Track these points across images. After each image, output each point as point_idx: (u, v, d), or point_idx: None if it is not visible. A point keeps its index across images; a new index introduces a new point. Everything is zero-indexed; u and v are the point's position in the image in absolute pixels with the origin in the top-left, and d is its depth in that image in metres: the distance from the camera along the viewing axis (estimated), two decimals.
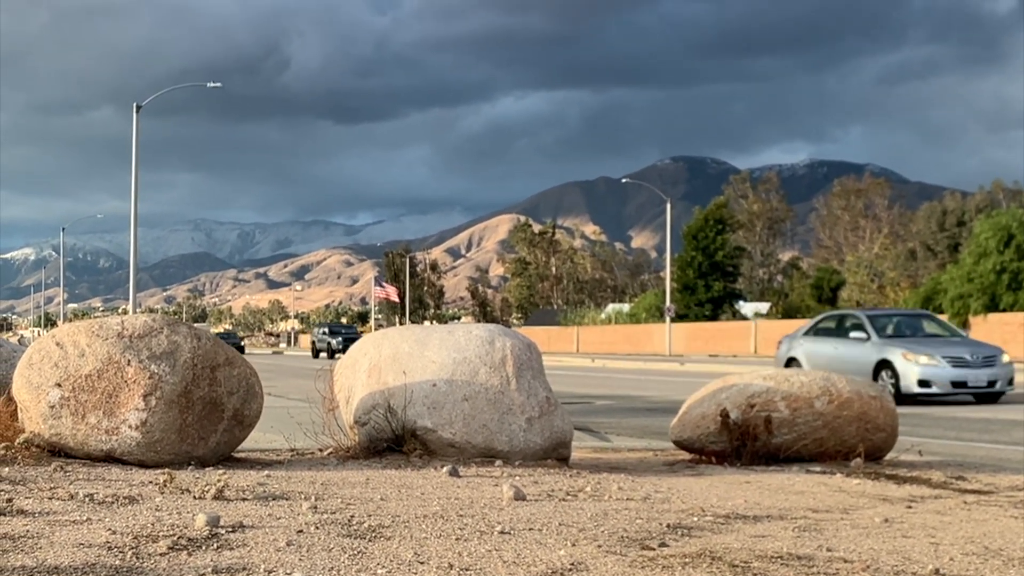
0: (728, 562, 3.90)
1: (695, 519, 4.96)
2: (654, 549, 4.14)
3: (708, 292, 77.36)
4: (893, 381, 17.23)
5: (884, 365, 17.78)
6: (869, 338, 18.60)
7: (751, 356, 59.68)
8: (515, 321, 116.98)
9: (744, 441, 7.78)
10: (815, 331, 20.57)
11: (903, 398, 16.48)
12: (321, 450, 7.92)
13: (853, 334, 19.09)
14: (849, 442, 7.91)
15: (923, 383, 17.05)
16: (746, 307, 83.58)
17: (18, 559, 3.66)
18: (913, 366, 17.29)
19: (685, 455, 8.33)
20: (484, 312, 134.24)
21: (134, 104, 42.28)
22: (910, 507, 5.57)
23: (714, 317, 76.27)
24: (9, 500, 4.83)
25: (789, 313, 76.60)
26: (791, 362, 19.49)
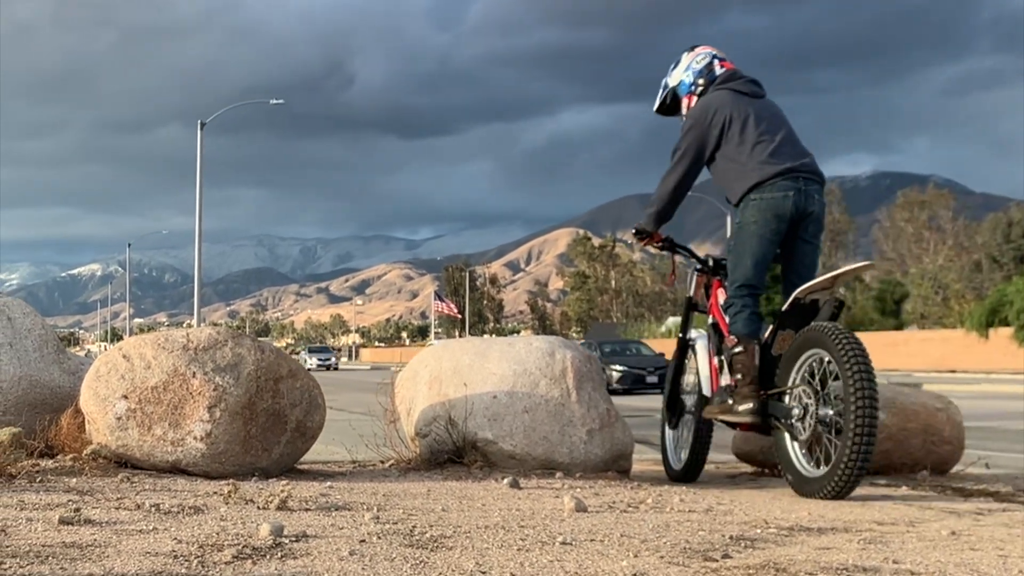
0: (792, 573, 3.86)
1: (758, 531, 4.92)
2: (717, 560, 4.11)
3: (770, 304, 76.66)
4: None
5: None
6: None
7: None
8: (574, 335, 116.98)
9: None
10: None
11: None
12: (382, 462, 7.96)
13: None
14: (914, 455, 7.82)
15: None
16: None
17: (86, 567, 3.71)
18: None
19: (747, 467, 8.27)
20: (543, 326, 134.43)
21: (198, 121, 42.83)
22: (977, 520, 5.48)
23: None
24: (77, 510, 4.90)
25: (852, 326, 75.84)
26: None
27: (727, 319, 6.75)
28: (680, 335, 7.65)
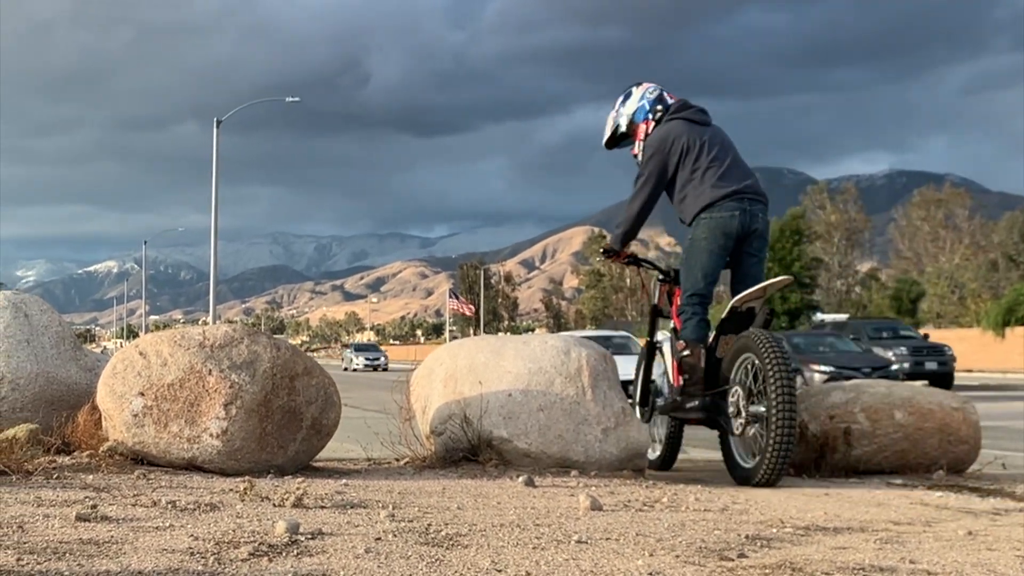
0: (809, 573, 3.86)
1: (774, 531, 4.91)
2: (733, 560, 4.11)
3: (784, 303, 76.51)
4: None
5: None
6: None
7: None
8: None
9: (823, 453, 7.70)
10: None
11: None
12: (397, 460, 7.96)
13: None
14: (931, 454, 7.79)
15: None
16: (823, 318, 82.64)
17: (103, 564, 3.72)
18: None
19: None
20: (558, 324, 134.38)
21: (215, 119, 42.92)
22: (994, 520, 5.46)
23: (791, 328, 75.49)
24: (94, 506, 4.92)
25: None
26: None
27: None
28: (648, 338, 8.32)
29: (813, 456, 7.72)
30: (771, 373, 6.52)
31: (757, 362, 6.71)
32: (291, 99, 46.16)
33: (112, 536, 4.25)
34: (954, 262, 79.76)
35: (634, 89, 7.86)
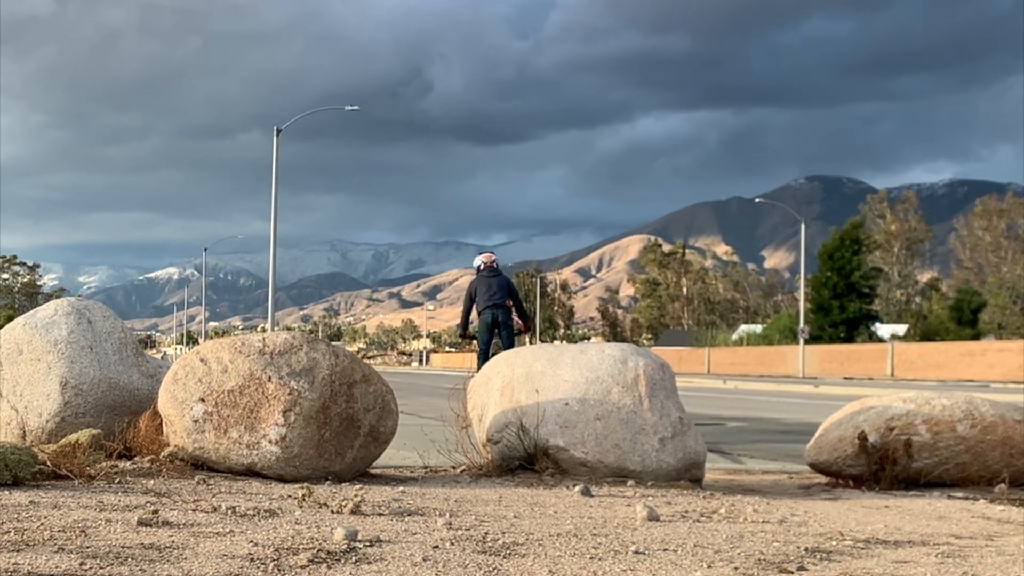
0: None
1: (834, 543, 4.87)
2: (792, 573, 4.07)
3: (843, 313, 75.77)
4: None
5: None
6: None
7: (887, 379, 58.32)
8: (645, 341, 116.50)
9: (883, 465, 7.61)
10: None
11: None
12: (454, 467, 7.99)
13: None
14: (992, 467, 7.68)
15: None
16: (883, 329, 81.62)
17: (164, 569, 3.76)
18: None
19: (821, 478, 8.18)
20: (614, 332, 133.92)
21: (275, 128, 43.26)
22: None
23: (849, 339, 74.65)
24: (155, 512, 4.97)
25: (928, 335, 74.63)
26: None
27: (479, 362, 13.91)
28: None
29: (873, 468, 7.64)
30: None
31: None
32: (351, 107, 46.25)
33: (173, 541, 4.30)
34: (1016, 272, 78.59)
35: (477, 256, 15.01)
